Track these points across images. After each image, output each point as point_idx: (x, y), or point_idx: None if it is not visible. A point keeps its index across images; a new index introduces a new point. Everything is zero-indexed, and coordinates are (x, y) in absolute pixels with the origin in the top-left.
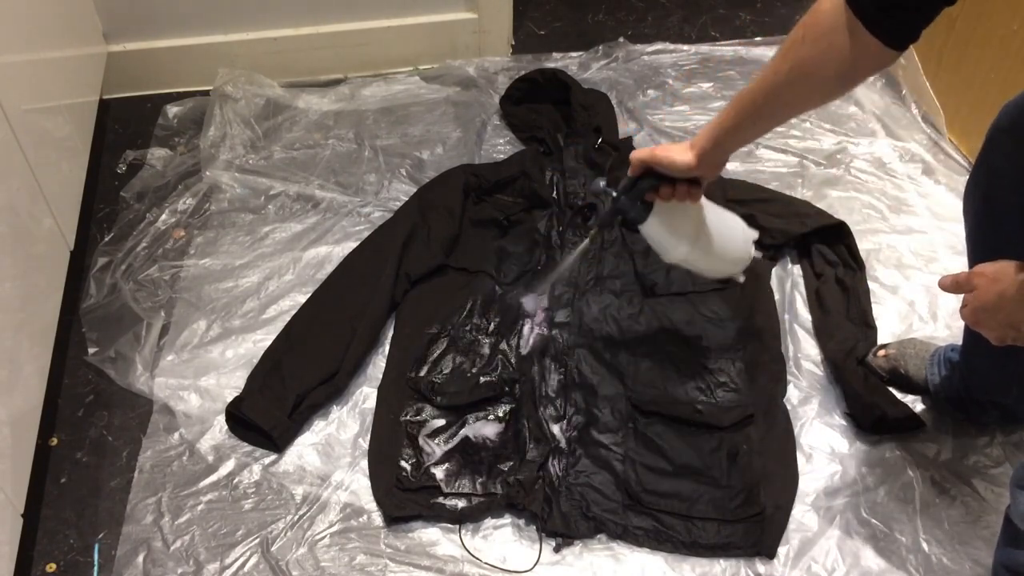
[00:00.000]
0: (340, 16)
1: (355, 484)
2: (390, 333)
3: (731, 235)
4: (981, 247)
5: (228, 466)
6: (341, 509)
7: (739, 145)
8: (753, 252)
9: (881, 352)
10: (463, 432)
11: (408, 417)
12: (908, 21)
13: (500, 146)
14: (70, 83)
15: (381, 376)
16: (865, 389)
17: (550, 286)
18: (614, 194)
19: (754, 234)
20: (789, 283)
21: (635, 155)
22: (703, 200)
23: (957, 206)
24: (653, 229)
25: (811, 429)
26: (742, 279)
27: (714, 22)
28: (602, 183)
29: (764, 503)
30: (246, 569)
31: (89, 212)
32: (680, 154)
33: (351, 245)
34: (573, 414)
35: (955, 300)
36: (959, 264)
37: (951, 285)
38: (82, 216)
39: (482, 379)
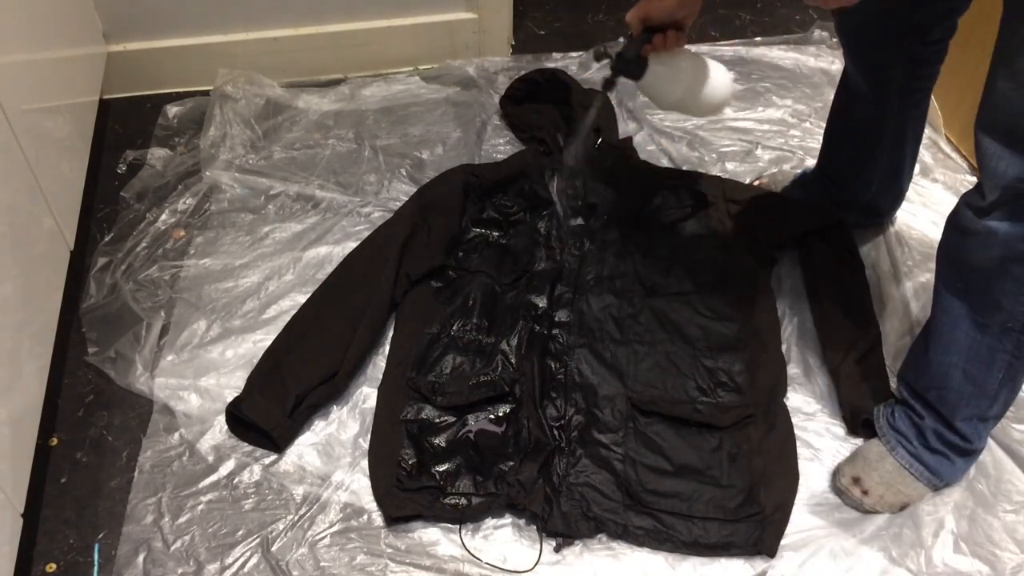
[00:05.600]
0: (340, 16)
1: (355, 484)
2: (390, 333)
3: (716, 73)
4: None
5: (228, 466)
6: (341, 509)
7: None
8: (736, 86)
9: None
10: (463, 432)
11: (408, 417)
12: None
13: (500, 146)
14: (70, 83)
15: (381, 376)
16: (856, 393)
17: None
18: (613, 56)
19: (732, 74)
20: (789, 283)
21: (630, 15)
22: (686, 47)
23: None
24: (652, 79)
25: (812, 429)
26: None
27: (714, 22)
28: (603, 48)
29: (764, 503)
30: (246, 569)
31: (89, 212)
32: None
33: (351, 245)
34: (573, 414)
35: None
36: None
37: None
38: (82, 216)
39: (482, 379)
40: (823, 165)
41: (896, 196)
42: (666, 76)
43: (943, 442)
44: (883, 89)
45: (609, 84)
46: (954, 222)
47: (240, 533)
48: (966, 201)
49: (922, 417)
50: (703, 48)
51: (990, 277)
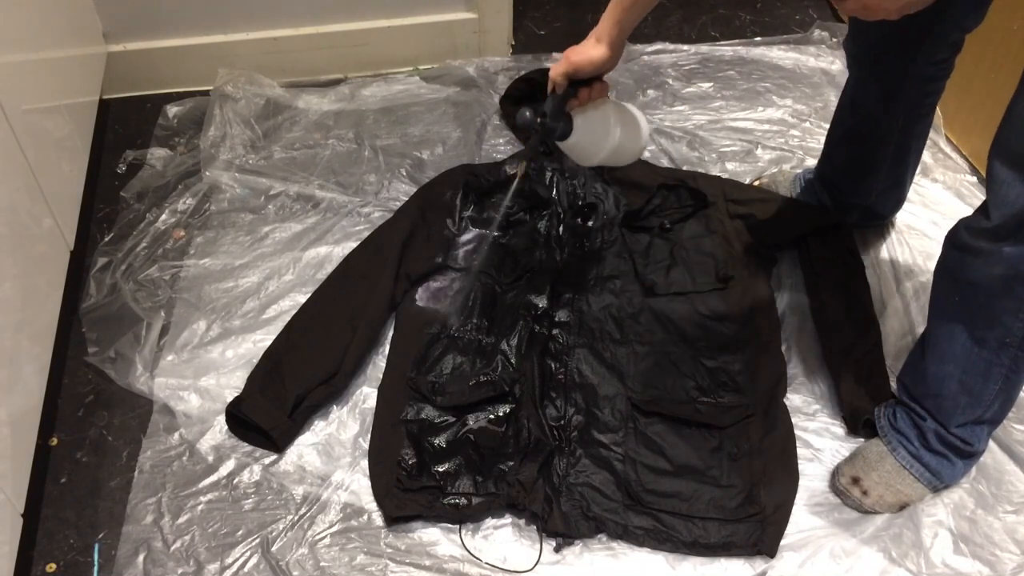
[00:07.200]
0: (340, 16)
1: (355, 484)
2: (390, 333)
3: (637, 119)
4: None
5: (228, 466)
6: (341, 509)
7: (634, 23)
8: (650, 126)
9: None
10: (463, 432)
11: (408, 417)
12: None
13: (500, 146)
14: (70, 83)
15: (381, 376)
16: (856, 393)
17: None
18: (539, 120)
19: (644, 116)
20: (789, 283)
21: (555, 71)
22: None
23: (956, 205)
24: (579, 136)
25: (812, 429)
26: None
27: (714, 22)
28: (528, 113)
29: (764, 503)
30: (246, 569)
31: (89, 212)
32: (594, 49)
33: (351, 245)
34: (573, 414)
35: None
36: None
37: None
38: (82, 216)
39: (482, 379)
40: (823, 170)
41: (897, 201)
42: (595, 129)
43: (944, 443)
44: (890, 105)
45: (534, 150)
46: (954, 241)
47: (240, 533)
48: (966, 224)
49: (923, 419)
50: (703, 48)
51: (991, 295)
